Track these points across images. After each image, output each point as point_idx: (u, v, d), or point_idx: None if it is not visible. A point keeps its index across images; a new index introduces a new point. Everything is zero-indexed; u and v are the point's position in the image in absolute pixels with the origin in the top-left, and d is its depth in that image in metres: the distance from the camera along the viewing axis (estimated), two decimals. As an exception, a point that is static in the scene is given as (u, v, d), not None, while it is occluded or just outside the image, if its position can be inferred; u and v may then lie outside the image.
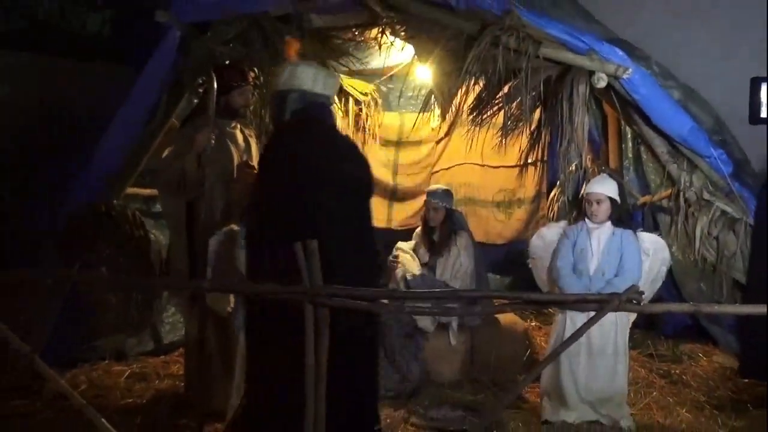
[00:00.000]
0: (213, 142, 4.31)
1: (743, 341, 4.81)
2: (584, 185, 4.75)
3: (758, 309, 2.56)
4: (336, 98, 5.99)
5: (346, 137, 4.03)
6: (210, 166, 4.29)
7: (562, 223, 4.68)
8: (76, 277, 3.40)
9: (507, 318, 5.36)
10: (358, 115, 6.42)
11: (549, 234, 4.65)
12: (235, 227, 4.26)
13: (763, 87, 3.94)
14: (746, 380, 4.71)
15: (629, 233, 4.42)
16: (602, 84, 4.68)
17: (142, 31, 6.38)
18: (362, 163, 3.43)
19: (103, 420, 2.87)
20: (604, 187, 4.40)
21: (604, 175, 4.80)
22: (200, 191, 4.29)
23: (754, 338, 4.38)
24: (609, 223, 4.39)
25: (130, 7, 7.03)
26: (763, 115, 3.94)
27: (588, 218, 4.42)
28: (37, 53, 6.21)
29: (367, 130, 6.48)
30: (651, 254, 4.45)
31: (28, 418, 4.17)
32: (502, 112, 5.09)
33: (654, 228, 5.32)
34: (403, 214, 6.65)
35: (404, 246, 5.34)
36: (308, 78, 3.36)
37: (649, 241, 4.51)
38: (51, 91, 6.00)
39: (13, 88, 5.88)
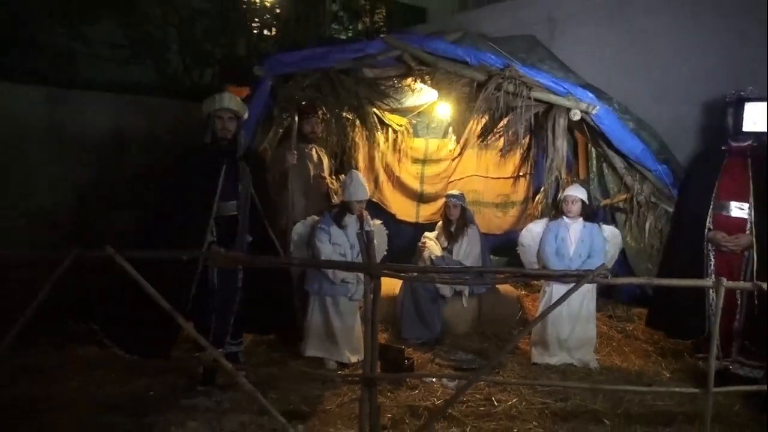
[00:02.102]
0: (295, 160, 4.38)
1: (652, 300, 4.51)
2: (561, 191, 4.70)
3: (703, 282, 2.55)
4: (380, 127, 6.06)
5: None
6: (294, 177, 4.36)
7: (545, 220, 4.65)
8: (202, 254, 3.46)
9: (505, 288, 5.33)
10: (395, 140, 6.37)
11: (535, 228, 4.61)
12: (315, 217, 4.33)
13: (747, 106, 3.75)
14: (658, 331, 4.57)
15: (596, 226, 4.40)
16: (577, 118, 4.66)
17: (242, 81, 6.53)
18: None
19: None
20: (578, 192, 4.40)
21: (577, 183, 4.78)
22: (284, 194, 4.36)
23: (658, 299, 4.28)
24: (581, 219, 4.38)
25: (232, 64, 7.15)
26: (746, 129, 3.75)
27: (565, 215, 4.41)
28: (167, 97, 6.30)
29: (401, 151, 6.44)
30: (610, 240, 4.45)
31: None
32: (501, 138, 5.04)
33: (612, 222, 5.21)
34: (427, 212, 6.57)
35: (429, 235, 5.29)
36: None
37: (609, 231, 4.51)
38: (179, 125, 6.06)
39: (151, 123, 5.97)
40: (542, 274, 3.89)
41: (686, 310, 3.88)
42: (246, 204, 3.83)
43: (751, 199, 3.67)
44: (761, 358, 3.58)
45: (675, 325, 4.10)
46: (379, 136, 6.09)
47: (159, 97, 6.28)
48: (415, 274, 4.19)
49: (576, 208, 4.36)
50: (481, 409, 3.55)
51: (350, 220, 4.26)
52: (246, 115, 3.90)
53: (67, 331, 4.63)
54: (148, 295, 2.70)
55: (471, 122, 5.36)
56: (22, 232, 5.18)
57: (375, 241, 3.67)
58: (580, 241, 4.31)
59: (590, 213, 4.59)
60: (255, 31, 7.89)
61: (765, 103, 3.70)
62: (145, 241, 3.69)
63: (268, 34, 8.08)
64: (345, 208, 4.26)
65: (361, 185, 4.27)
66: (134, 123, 5.91)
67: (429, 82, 4.98)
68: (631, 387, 3.46)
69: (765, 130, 3.71)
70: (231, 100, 3.77)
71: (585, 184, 5.30)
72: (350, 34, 9.42)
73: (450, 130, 6.16)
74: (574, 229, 4.36)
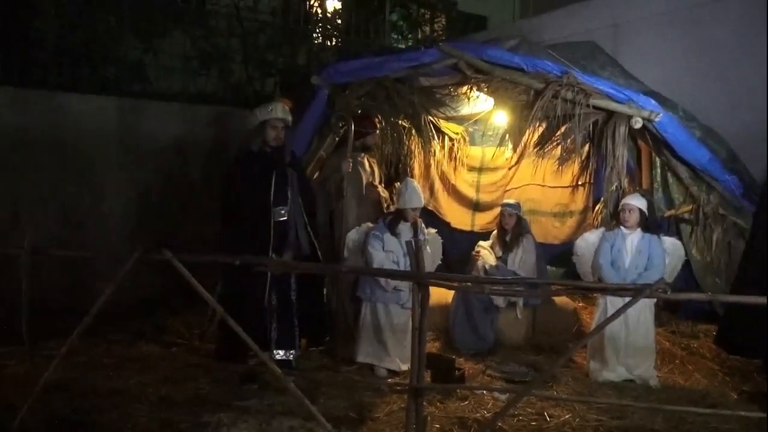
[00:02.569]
0: (351, 168, 4.42)
1: (723, 320, 4.31)
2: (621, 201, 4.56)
3: (758, 300, 2.39)
4: (436, 135, 6.03)
5: None
6: (349, 185, 4.39)
7: (601, 230, 4.51)
8: (257, 260, 3.53)
9: (561, 299, 5.20)
10: (451, 149, 6.31)
11: (590, 238, 4.48)
12: (370, 224, 4.35)
13: None
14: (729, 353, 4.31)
15: (655, 237, 4.22)
16: (638, 125, 4.50)
17: (300, 89, 6.64)
18: None
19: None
20: (636, 201, 4.25)
21: (637, 193, 4.59)
22: (342, 202, 4.40)
23: (731, 320, 4.04)
24: (639, 230, 4.21)
25: (293, 74, 7.28)
26: None
27: (622, 225, 4.24)
28: (231, 106, 6.47)
29: (457, 159, 6.37)
30: (671, 252, 4.26)
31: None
32: (559, 147, 4.92)
33: (676, 234, 5.00)
34: (483, 220, 6.46)
35: (484, 244, 5.22)
36: None
37: (669, 242, 4.33)
38: (242, 133, 6.19)
39: (216, 131, 6.15)
40: (597, 288, 3.75)
41: (756, 327, 3.64)
42: (296, 209, 3.93)
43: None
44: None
45: (744, 343, 3.87)
46: (435, 144, 6.04)
47: (224, 106, 6.46)
48: (463, 283, 4.12)
49: (634, 217, 4.19)
50: (533, 423, 3.44)
51: (404, 228, 4.25)
52: (290, 123, 4.03)
53: (135, 329, 4.88)
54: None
55: (528, 130, 5.24)
56: (93, 236, 5.43)
57: (428, 250, 3.65)
58: (637, 252, 4.14)
59: (653, 224, 4.41)
60: (316, 42, 8.02)
61: None
62: (223, 247, 3.84)
63: (329, 44, 8.21)
64: (399, 215, 4.26)
65: (416, 193, 4.25)
66: (200, 131, 6.10)
67: (485, 90, 4.92)
68: (692, 408, 3.27)
69: None
70: (284, 109, 3.89)
71: (648, 194, 5.11)
72: (409, 44, 9.43)
73: (507, 137, 6.04)
74: (631, 239, 4.19)
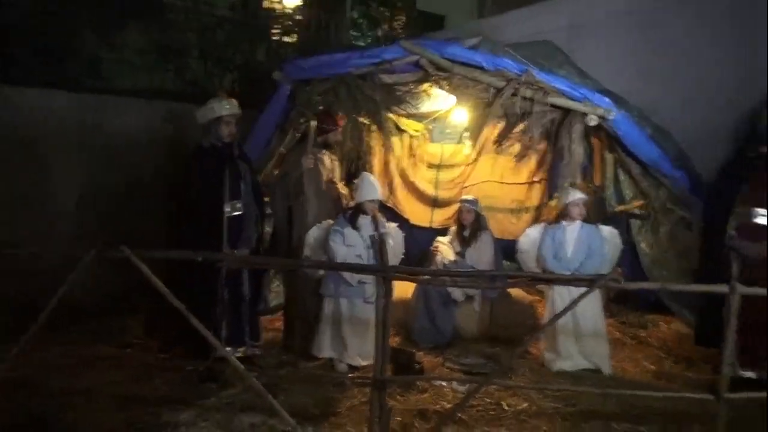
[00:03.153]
0: (311, 165, 4.39)
1: (698, 316, 4.43)
2: (562, 197, 4.65)
3: (717, 288, 2.50)
4: (396, 132, 6.05)
5: None
6: (309, 182, 4.37)
7: (542, 225, 4.68)
8: (215, 256, 3.49)
9: (517, 293, 5.29)
10: (410, 146, 6.33)
11: (532, 233, 4.64)
12: (330, 221, 4.34)
13: None
14: (695, 343, 4.51)
15: (593, 226, 4.42)
16: (593, 123, 4.63)
17: (260, 86, 6.54)
18: None
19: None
20: (582, 195, 4.43)
21: (574, 188, 4.68)
22: (301, 198, 4.38)
23: (707, 314, 4.19)
24: (578, 221, 4.38)
25: (252, 70, 7.19)
26: None
27: (571, 219, 4.40)
28: (189, 103, 6.34)
29: (416, 156, 6.39)
30: (608, 240, 4.43)
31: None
32: (517, 144, 5.02)
33: (626, 229, 5.17)
34: (441, 217, 6.49)
35: (442, 239, 5.26)
36: None
37: (607, 231, 4.50)
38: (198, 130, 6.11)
39: (175, 127, 6.02)
40: (557, 279, 3.85)
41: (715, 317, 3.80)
42: (250, 203, 3.90)
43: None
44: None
45: (704, 332, 4.05)
46: (395, 141, 6.05)
47: (182, 103, 6.33)
48: (427, 277, 4.17)
49: (578, 212, 4.37)
50: (491, 413, 3.52)
51: (364, 222, 4.26)
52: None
53: (94, 329, 4.75)
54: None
55: (487, 128, 5.31)
56: (48, 234, 5.24)
57: (390, 243, 3.66)
58: (578, 242, 4.31)
59: (603, 219, 4.55)
60: (275, 38, 7.95)
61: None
62: (174, 246, 3.75)
63: (288, 40, 8.13)
64: (358, 209, 4.28)
65: (372, 185, 4.29)
66: (159, 128, 5.95)
67: (446, 87, 4.96)
68: (641, 392, 3.39)
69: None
70: (236, 105, 3.89)
71: (600, 190, 5.27)
72: (369, 41, 9.44)
73: (466, 135, 6.11)
74: (571, 231, 4.37)
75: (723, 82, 5.13)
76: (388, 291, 2.71)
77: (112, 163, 5.64)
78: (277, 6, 8.09)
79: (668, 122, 5.12)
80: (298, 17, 8.05)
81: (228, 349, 3.83)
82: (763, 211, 3.65)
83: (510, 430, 3.32)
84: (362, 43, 9.23)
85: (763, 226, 3.65)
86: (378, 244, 2.70)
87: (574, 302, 2.75)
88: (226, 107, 3.88)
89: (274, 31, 7.94)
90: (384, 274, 2.70)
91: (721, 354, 3.63)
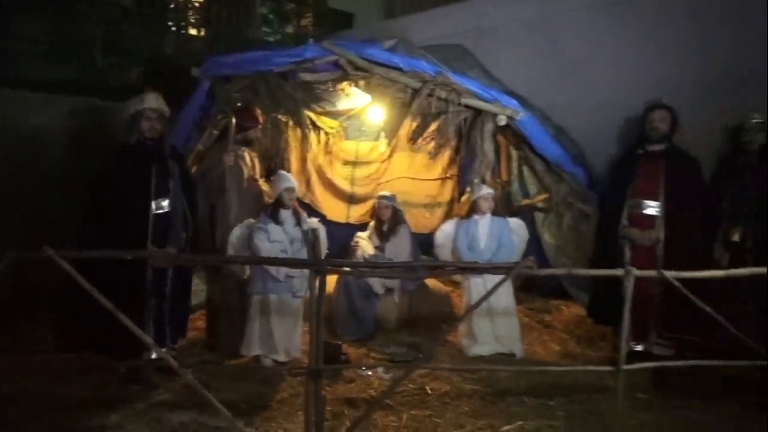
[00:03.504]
0: (232, 162, 4.39)
1: (592, 299, 4.81)
2: (472, 192, 4.96)
3: (614, 272, 2.82)
4: (312, 130, 6.12)
5: None
6: (231, 179, 4.37)
7: (456, 219, 4.94)
8: (145, 254, 3.44)
9: (434, 285, 5.51)
10: (326, 143, 6.41)
11: (447, 228, 4.90)
12: (252, 220, 4.35)
13: (657, 113, 4.18)
14: (594, 323, 4.89)
15: (503, 219, 4.75)
16: (503, 123, 4.90)
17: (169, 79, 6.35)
18: None
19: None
20: (490, 190, 4.75)
21: (483, 183, 4.98)
22: (223, 196, 4.37)
23: (599, 296, 4.54)
24: (489, 215, 4.68)
25: (161, 63, 6.97)
26: (655, 134, 4.18)
27: (480, 212, 4.70)
28: (93, 96, 6.07)
29: (332, 153, 6.48)
30: (516, 231, 4.76)
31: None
32: (431, 142, 5.22)
33: (531, 222, 5.46)
34: (358, 212, 6.64)
35: (362, 234, 5.41)
36: None
37: (514, 223, 4.84)
38: (103, 124, 5.81)
39: (79, 122, 5.75)
40: (477, 268, 4.11)
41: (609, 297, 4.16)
42: (178, 201, 3.87)
43: (663, 198, 4.04)
44: (673, 339, 3.95)
45: (602, 312, 4.41)
46: (312, 138, 6.12)
47: (86, 96, 6.04)
48: (358, 269, 4.29)
49: (487, 206, 4.69)
50: (416, 397, 3.73)
51: (286, 216, 4.33)
52: (168, 115, 3.96)
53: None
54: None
55: (403, 126, 5.50)
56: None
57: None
58: (489, 235, 4.62)
59: (510, 213, 4.87)
60: (183, 32, 7.74)
61: (665, 111, 4.06)
62: (88, 245, 3.59)
63: (196, 34, 7.94)
64: (278, 203, 4.34)
65: (285, 176, 4.42)
66: (60, 122, 5.66)
67: (365, 87, 5.08)
68: (549, 368, 3.73)
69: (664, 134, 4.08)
70: (157, 99, 3.83)
71: (507, 185, 5.61)
72: (278, 37, 9.40)
73: (382, 133, 6.28)
74: (483, 224, 4.66)
75: (615, 85, 5.60)
76: (322, 284, 2.82)
77: (12, 161, 5.32)
78: (184, -1, 7.88)
79: (565, 122, 5.47)
80: (206, 12, 7.85)
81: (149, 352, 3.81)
82: (651, 203, 4.07)
83: (434, 411, 3.53)
84: (272, 39, 9.17)
85: (650, 216, 4.07)
86: (312, 238, 2.80)
87: (493, 289, 2.97)
88: (143, 102, 3.80)
89: (181, 24, 7.72)
90: (317, 267, 2.80)
91: (618, 330, 4.08)
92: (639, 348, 4.14)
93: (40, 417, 3.28)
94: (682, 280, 2.88)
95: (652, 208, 4.07)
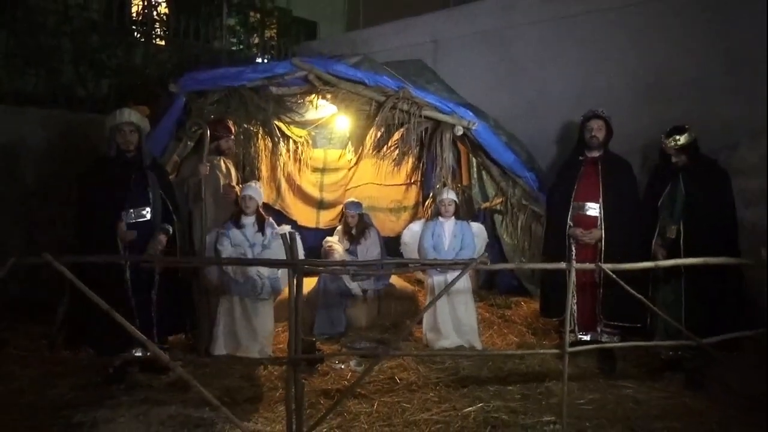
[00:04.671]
0: (207, 171, 4.65)
1: (542, 294, 5.02)
2: (437, 196, 5.26)
3: (557, 265, 3.22)
4: (282, 139, 6.40)
5: None
6: (207, 187, 4.63)
7: (423, 220, 5.27)
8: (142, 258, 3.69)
9: (401, 285, 5.84)
10: (295, 151, 6.65)
11: (414, 228, 5.21)
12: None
13: (594, 122, 4.43)
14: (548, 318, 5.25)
15: (465, 223, 5.04)
16: (460, 133, 5.30)
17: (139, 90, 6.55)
18: None
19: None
20: (453, 195, 5.04)
21: (448, 188, 5.30)
22: (200, 204, 4.63)
23: (545, 292, 4.85)
24: (453, 218, 5.00)
25: (130, 75, 7.17)
26: (592, 141, 4.45)
27: (442, 216, 5.00)
28: (63, 109, 6.22)
29: (302, 161, 6.73)
30: (477, 234, 5.07)
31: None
32: (395, 150, 5.58)
33: (491, 223, 5.87)
34: (327, 218, 6.93)
35: (331, 239, 5.67)
36: None
37: (476, 226, 5.15)
38: (73, 137, 5.99)
39: (48, 134, 5.88)
40: (439, 264, 4.48)
41: (557, 292, 4.54)
42: (159, 209, 4.11)
43: (601, 200, 4.45)
44: (618, 327, 4.36)
45: (549, 305, 4.75)
46: (282, 147, 6.38)
47: (55, 109, 6.18)
48: (333, 268, 4.58)
49: (452, 209, 5.01)
50: (386, 386, 4.05)
51: (248, 221, 4.59)
52: (147, 128, 4.18)
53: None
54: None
55: (368, 136, 5.84)
56: None
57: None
58: (453, 236, 4.94)
59: (471, 215, 5.22)
60: (152, 43, 7.92)
61: (601, 120, 4.48)
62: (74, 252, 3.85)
63: (161, 45, 8.12)
64: (239, 210, 4.62)
65: (248, 185, 4.70)
66: (29, 135, 5.78)
67: (332, 99, 5.40)
68: (507, 352, 4.13)
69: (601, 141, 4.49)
70: (131, 114, 4.04)
71: (467, 189, 6.00)
72: (243, 47, 9.65)
73: (348, 142, 6.59)
74: (448, 226, 4.98)
75: (561, 95, 6.07)
76: (300, 282, 3.13)
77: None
78: (148, 11, 8.04)
79: (516, 129, 5.88)
80: (172, 24, 8.04)
81: (135, 350, 4.07)
82: (592, 204, 4.48)
83: (403, 398, 3.84)
84: (236, 49, 9.41)
85: (592, 216, 4.48)
86: (289, 240, 3.12)
87: (452, 282, 3.34)
88: (117, 117, 4.01)
89: (148, 36, 7.90)
90: (295, 267, 3.13)
91: (562, 318, 4.49)
92: (587, 338, 4.50)
93: (25, 419, 3.46)
94: (618, 272, 3.32)
95: (593, 209, 4.43)
